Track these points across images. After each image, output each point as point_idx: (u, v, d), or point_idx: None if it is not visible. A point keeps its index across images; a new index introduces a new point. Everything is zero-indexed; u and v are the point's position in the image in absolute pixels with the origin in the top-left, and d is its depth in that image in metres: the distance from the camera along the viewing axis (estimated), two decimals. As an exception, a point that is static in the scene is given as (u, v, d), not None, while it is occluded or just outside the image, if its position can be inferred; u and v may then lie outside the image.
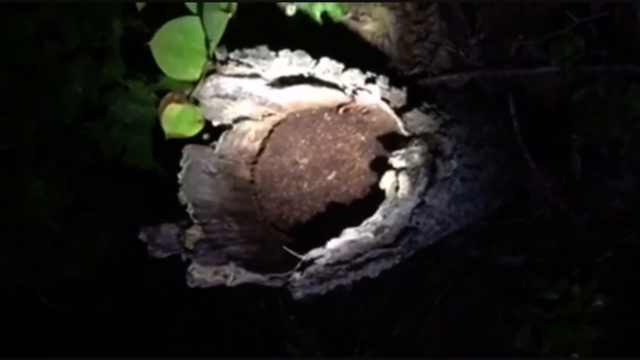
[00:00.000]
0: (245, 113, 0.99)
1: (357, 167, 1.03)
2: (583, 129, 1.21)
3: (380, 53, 1.30)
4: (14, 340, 1.39)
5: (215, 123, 0.98)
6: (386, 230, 0.90)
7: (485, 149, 1.14)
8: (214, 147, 0.98)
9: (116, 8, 1.19)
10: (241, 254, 0.94)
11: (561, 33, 1.17)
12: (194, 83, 0.90)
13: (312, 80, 0.90)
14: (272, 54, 0.88)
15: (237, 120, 0.99)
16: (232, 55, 0.88)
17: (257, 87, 0.93)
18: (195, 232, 0.92)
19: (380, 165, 0.98)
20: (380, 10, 1.28)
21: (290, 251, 0.88)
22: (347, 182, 1.03)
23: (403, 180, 0.85)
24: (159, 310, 1.49)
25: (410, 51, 1.30)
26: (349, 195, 1.03)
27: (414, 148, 0.88)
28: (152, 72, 1.13)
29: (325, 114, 1.05)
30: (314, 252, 0.86)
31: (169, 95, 0.88)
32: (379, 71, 0.93)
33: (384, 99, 0.90)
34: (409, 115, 0.93)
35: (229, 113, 0.97)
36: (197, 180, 0.96)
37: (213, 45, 0.86)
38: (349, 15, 1.27)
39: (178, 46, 0.85)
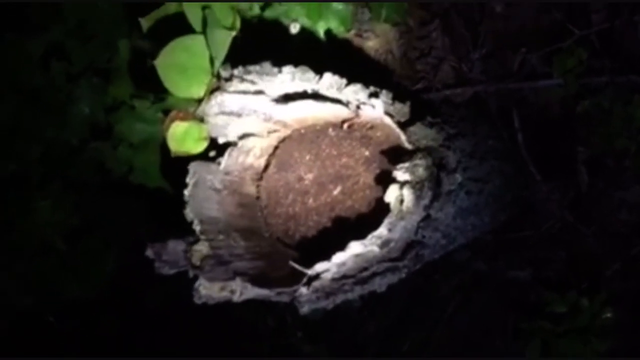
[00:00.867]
0: (250, 130, 0.99)
1: (362, 181, 1.03)
2: (588, 140, 1.21)
3: (383, 69, 1.31)
4: (22, 360, 1.39)
5: (220, 140, 0.98)
6: (392, 244, 0.90)
7: (490, 162, 1.14)
8: (219, 164, 0.98)
9: (122, 28, 1.20)
10: (248, 269, 0.94)
11: (563, 46, 1.17)
12: (199, 101, 0.91)
13: (315, 96, 0.90)
14: (276, 70, 0.88)
15: (242, 137, 0.99)
16: (236, 72, 0.89)
17: (262, 104, 0.94)
18: (202, 248, 0.92)
19: (385, 180, 0.98)
20: (383, 27, 1.30)
21: (297, 266, 0.88)
22: (353, 197, 1.03)
23: (408, 193, 0.85)
24: (165, 328, 1.49)
25: (413, 66, 1.31)
26: (355, 210, 1.03)
27: (418, 161, 0.88)
28: (158, 91, 1.14)
29: (330, 130, 1.05)
30: (319, 266, 0.86)
31: (173, 113, 0.89)
32: (382, 86, 0.93)
33: (387, 113, 0.90)
34: (412, 129, 0.93)
35: (234, 130, 0.98)
36: (203, 196, 0.96)
37: (217, 63, 0.87)
38: (353, 32, 1.28)
39: (183, 64, 0.85)
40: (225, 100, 0.91)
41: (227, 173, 1.00)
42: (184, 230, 0.97)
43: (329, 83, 0.88)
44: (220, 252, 0.94)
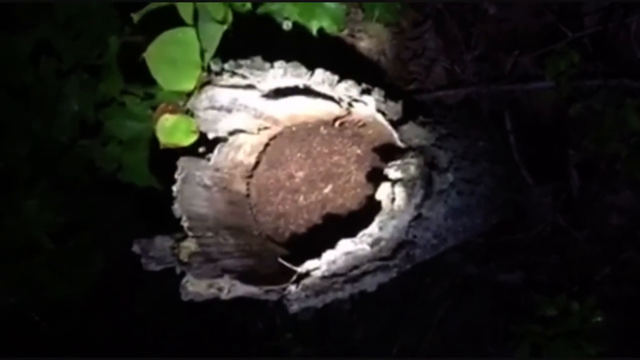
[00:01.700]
0: (240, 126, 0.98)
1: (353, 180, 1.02)
2: (580, 143, 1.21)
3: (376, 69, 1.30)
4: (7, 360, 1.37)
5: (210, 135, 0.97)
6: (382, 243, 0.89)
7: (481, 164, 1.13)
8: (209, 160, 0.97)
9: (112, 24, 1.19)
10: (236, 267, 0.92)
11: (556, 48, 1.17)
12: (189, 95, 0.90)
13: (307, 92, 0.90)
14: (267, 65, 0.88)
15: (233, 132, 0.98)
16: (226, 66, 0.88)
17: (252, 99, 0.93)
18: (189, 245, 0.91)
19: (376, 178, 0.97)
20: (376, 27, 1.29)
21: (286, 263, 0.87)
22: (344, 195, 1.02)
23: (399, 191, 0.85)
24: (153, 329, 1.48)
25: (406, 67, 1.31)
26: (346, 209, 1.02)
27: (409, 160, 0.87)
28: (148, 85, 1.14)
29: (321, 127, 1.05)
30: (309, 264, 0.85)
31: (162, 106, 0.88)
32: (375, 86, 0.93)
33: (379, 111, 0.89)
34: (404, 127, 0.92)
35: (224, 125, 0.97)
36: (192, 193, 0.95)
37: (208, 56, 0.86)
38: (346, 32, 1.28)
39: (173, 57, 0.85)
40: (215, 94, 0.90)
41: (216, 169, 0.98)
42: (173, 227, 0.96)
43: (321, 79, 0.88)
44: (208, 249, 0.92)
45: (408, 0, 1.25)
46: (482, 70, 1.27)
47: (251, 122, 0.98)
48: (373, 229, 0.86)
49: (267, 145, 1.07)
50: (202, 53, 0.85)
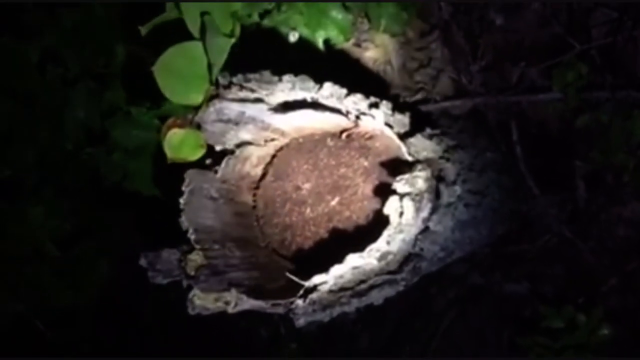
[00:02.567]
0: (247, 138, 0.98)
1: (360, 192, 1.02)
2: (587, 155, 1.21)
3: (382, 79, 1.30)
4: (11, 369, 1.37)
5: (217, 148, 0.97)
6: (390, 257, 0.89)
7: (488, 175, 1.13)
8: (216, 172, 0.97)
9: (119, 34, 1.19)
10: (243, 280, 0.92)
11: (563, 60, 1.17)
12: (197, 108, 0.90)
13: (315, 105, 0.90)
14: (275, 78, 0.88)
15: (240, 145, 0.98)
16: (235, 80, 0.88)
17: (260, 112, 0.93)
18: (196, 258, 0.91)
19: (383, 191, 0.97)
20: (382, 37, 1.29)
21: (293, 277, 0.87)
22: (350, 208, 1.02)
23: (407, 205, 0.84)
24: (159, 338, 1.47)
25: (412, 78, 1.30)
26: (352, 221, 1.02)
27: (418, 173, 0.87)
28: (155, 97, 1.14)
29: (328, 139, 1.05)
30: (316, 279, 0.85)
31: (171, 120, 0.88)
32: (381, 97, 0.93)
33: (387, 124, 0.89)
34: (412, 140, 0.93)
35: (232, 138, 0.97)
36: (199, 205, 0.95)
37: (216, 70, 0.86)
38: (352, 41, 1.28)
39: (181, 71, 0.85)
40: (223, 107, 0.90)
41: (223, 181, 0.98)
42: (179, 238, 0.95)
43: (329, 92, 0.88)
44: (215, 262, 0.92)
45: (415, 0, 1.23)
46: (489, 81, 1.26)
47: (258, 134, 0.98)
48: (381, 243, 0.86)
49: (274, 156, 1.07)
50: (209, 67, 0.85)
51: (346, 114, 0.92)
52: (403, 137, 0.92)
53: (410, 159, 0.90)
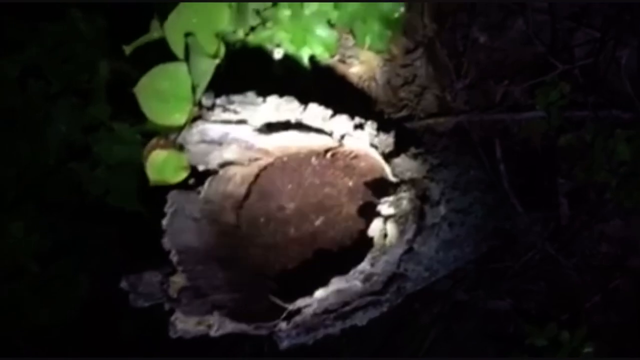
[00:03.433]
0: (231, 158, 0.97)
1: (344, 212, 1.02)
2: (570, 173, 1.21)
3: (367, 96, 1.30)
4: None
5: (200, 168, 0.96)
6: (374, 278, 0.89)
7: (472, 193, 1.13)
8: (199, 193, 0.96)
9: (104, 49, 1.18)
10: (226, 302, 0.91)
11: (546, 79, 1.17)
12: (180, 128, 0.89)
13: (299, 126, 0.89)
14: (260, 99, 0.87)
15: (223, 165, 0.98)
16: (218, 102, 0.87)
17: (244, 133, 0.92)
18: (179, 280, 0.89)
19: (367, 211, 0.97)
20: (367, 54, 1.29)
21: (277, 300, 0.86)
22: (335, 228, 1.01)
23: (391, 227, 0.85)
24: (139, 354, 1.45)
25: (396, 94, 1.30)
26: (336, 241, 1.01)
27: (402, 195, 0.87)
28: (139, 113, 1.13)
29: (313, 158, 1.04)
30: (300, 301, 0.84)
31: (154, 141, 0.87)
32: (366, 115, 0.92)
33: (372, 145, 0.89)
34: (397, 161, 0.93)
35: (215, 158, 0.96)
36: (181, 226, 0.94)
37: (199, 91, 0.85)
38: (336, 58, 1.28)
39: (163, 92, 0.84)
40: (207, 129, 0.90)
41: (206, 202, 0.98)
42: (160, 256, 0.94)
43: (314, 113, 0.87)
44: (198, 283, 0.91)
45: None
46: (473, 99, 1.26)
47: (242, 154, 0.98)
48: (365, 265, 0.86)
49: (257, 176, 1.06)
50: (193, 88, 0.84)
51: (330, 134, 0.91)
52: (388, 157, 0.92)
53: (394, 179, 0.90)
